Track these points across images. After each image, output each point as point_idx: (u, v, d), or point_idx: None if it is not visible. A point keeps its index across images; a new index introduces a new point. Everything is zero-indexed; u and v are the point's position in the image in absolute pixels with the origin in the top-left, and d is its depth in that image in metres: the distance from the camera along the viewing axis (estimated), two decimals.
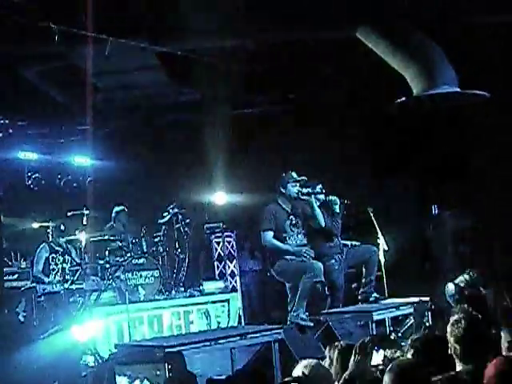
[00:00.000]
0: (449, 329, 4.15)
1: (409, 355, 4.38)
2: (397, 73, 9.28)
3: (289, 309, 8.90)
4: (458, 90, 8.96)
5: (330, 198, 9.61)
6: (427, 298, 8.68)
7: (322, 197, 9.55)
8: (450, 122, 11.25)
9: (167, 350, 6.70)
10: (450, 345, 4.11)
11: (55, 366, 7.84)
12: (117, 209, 11.33)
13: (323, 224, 9.17)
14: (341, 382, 4.36)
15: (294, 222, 9.07)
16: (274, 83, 11.67)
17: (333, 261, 9.43)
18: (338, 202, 9.62)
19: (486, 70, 9.89)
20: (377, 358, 4.46)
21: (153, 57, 10.08)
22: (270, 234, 8.92)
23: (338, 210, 9.63)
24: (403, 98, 9.35)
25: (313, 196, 9.10)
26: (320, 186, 9.58)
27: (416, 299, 8.80)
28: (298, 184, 9.08)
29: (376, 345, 4.45)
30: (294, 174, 9.16)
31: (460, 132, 11.69)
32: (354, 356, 4.54)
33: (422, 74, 8.97)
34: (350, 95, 11.92)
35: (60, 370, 7.80)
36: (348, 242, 9.82)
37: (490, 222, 11.31)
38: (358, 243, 9.87)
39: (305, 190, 9.06)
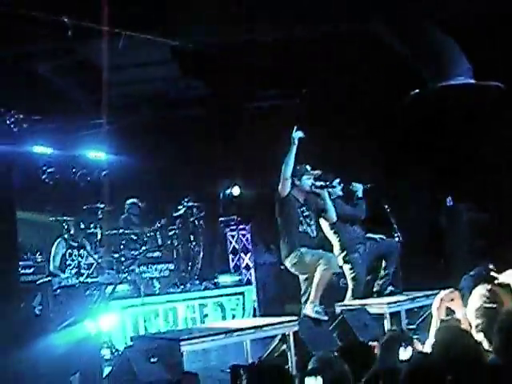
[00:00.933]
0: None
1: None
2: (407, 68, 9.27)
3: (302, 301, 8.88)
4: (473, 81, 8.92)
5: (353, 184, 9.62)
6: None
7: (339, 191, 9.55)
8: (464, 114, 11.19)
9: (182, 343, 6.71)
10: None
11: (74, 357, 7.87)
12: (129, 202, 11.37)
13: (335, 218, 9.14)
14: (364, 378, 4.33)
15: (306, 213, 9.04)
16: (286, 77, 11.66)
17: (356, 254, 9.39)
18: (361, 187, 9.62)
19: (501, 63, 9.82)
20: (405, 354, 4.42)
21: (166, 51, 10.09)
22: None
23: (360, 195, 9.61)
24: (417, 90, 9.33)
25: (325, 190, 9.08)
26: (337, 180, 9.57)
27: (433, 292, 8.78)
28: (312, 177, 9.06)
29: (404, 341, 4.41)
30: (309, 167, 9.14)
31: (475, 124, 11.63)
32: (380, 352, 4.53)
33: (435, 65, 8.94)
34: (365, 89, 11.90)
35: (79, 361, 7.83)
36: (376, 236, 9.75)
37: (507, 214, 11.25)
38: (384, 237, 9.80)
39: (318, 183, 9.04)
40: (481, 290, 4.46)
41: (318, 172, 9.12)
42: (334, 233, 9.45)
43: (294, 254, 8.86)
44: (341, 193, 9.57)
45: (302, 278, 9.02)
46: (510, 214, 11.13)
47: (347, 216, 9.45)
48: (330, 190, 9.38)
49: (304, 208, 9.02)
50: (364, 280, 9.49)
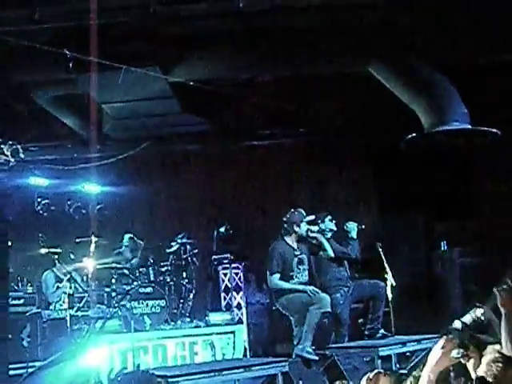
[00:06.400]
0: (485, 367, 4.10)
1: None
2: (407, 108, 9.33)
3: (294, 342, 8.83)
4: (469, 126, 8.97)
5: (347, 224, 9.60)
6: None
7: (332, 226, 9.56)
8: (460, 159, 11.26)
9: (171, 380, 6.66)
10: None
11: None
12: (127, 237, 11.34)
13: (332, 255, 9.17)
14: None
15: (300, 259, 9.06)
16: (286, 116, 11.72)
17: (338, 294, 9.37)
18: (356, 228, 9.59)
19: (497, 107, 9.90)
20: None
21: (165, 86, 10.14)
22: (277, 276, 8.91)
23: (354, 236, 9.59)
24: (413, 134, 9.37)
25: (319, 234, 9.10)
26: (329, 217, 9.59)
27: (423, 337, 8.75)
28: (306, 222, 9.10)
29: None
30: (303, 212, 9.17)
31: (471, 168, 11.69)
32: None
33: (432, 109, 9.00)
34: (360, 130, 11.96)
35: None
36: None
37: (500, 260, 11.24)
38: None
39: (314, 229, 9.07)
40: None
41: (312, 217, 9.16)
42: (318, 271, 9.43)
43: (285, 297, 8.85)
44: (334, 228, 9.57)
45: (293, 319, 8.99)
46: (503, 260, 11.12)
47: (340, 254, 9.44)
48: (323, 226, 9.44)
49: (298, 253, 9.04)
50: (347, 321, 9.45)
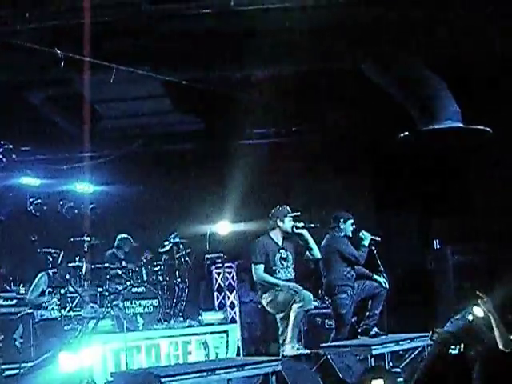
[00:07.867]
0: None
1: None
2: (401, 107, 9.35)
3: (280, 341, 8.82)
4: (461, 125, 9.00)
5: (363, 232, 9.57)
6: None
7: (349, 231, 9.54)
8: (452, 157, 11.28)
9: (164, 379, 6.63)
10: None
11: None
12: (120, 236, 11.31)
13: (319, 256, 9.15)
14: None
15: (283, 255, 9.05)
16: (279, 115, 11.72)
17: (344, 295, 9.34)
18: (369, 238, 9.55)
19: (489, 106, 9.92)
20: None
21: (158, 85, 10.14)
22: (261, 267, 8.90)
23: (366, 244, 9.55)
24: (406, 133, 9.39)
25: (305, 230, 9.08)
26: (351, 221, 9.56)
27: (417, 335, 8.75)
28: (292, 218, 9.08)
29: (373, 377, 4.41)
30: (288, 208, 9.16)
31: (463, 167, 11.71)
32: None
33: (425, 108, 9.02)
34: (355, 129, 11.97)
35: None
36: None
37: (494, 257, 11.28)
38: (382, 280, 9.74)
39: (299, 224, 9.05)
40: None
41: (297, 214, 9.15)
42: (327, 269, 9.43)
43: (269, 293, 8.86)
44: (350, 234, 9.56)
45: (278, 317, 8.99)
46: (497, 258, 11.16)
47: (350, 256, 9.41)
48: (342, 227, 9.43)
49: (282, 250, 9.03)
50: (349, 321, 9.44)
